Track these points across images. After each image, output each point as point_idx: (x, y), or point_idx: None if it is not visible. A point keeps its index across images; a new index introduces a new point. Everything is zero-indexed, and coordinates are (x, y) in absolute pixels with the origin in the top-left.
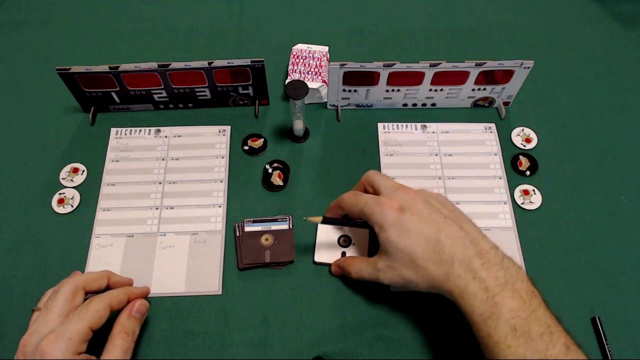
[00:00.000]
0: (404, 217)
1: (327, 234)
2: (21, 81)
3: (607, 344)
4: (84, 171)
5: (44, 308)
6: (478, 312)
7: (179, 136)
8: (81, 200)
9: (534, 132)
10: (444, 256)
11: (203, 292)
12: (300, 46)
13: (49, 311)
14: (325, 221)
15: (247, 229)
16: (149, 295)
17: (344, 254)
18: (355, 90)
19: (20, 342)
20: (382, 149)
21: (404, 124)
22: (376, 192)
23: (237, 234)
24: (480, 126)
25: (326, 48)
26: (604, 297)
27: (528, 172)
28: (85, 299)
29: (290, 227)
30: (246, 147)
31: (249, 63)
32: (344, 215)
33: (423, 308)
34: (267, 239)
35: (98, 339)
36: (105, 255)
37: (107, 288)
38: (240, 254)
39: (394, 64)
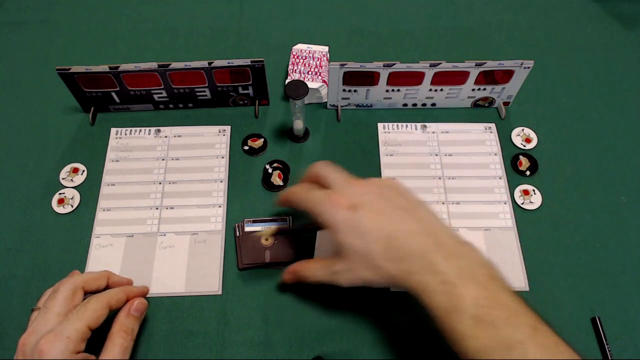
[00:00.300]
0: (356, 215)
1: (326, 234)
2: (21, 81)
3: (607, 344)
4: (84, 171)
5: (43, 307)
6: (440, 307)
7: (179, 136)
8: (81, 200)
9: (534, 132)
10: (402, 253)
11: (203, 292)
12: (300, 46)
13: (48, 311)
14: (280, 232)
15: (247, 229)
16: (149, 295)
17: None
18: (355, 90)
19: (20, 342)
20: (382, 149)
21: (404, 124)
22: (325, 186)
23: (237, 234)
24: (480, 126)
25: (326, 48)
26: (604, 297)
27: (528, 172)
28: (84, 299)
29: (290, 227)
30: (246, 147)
31: (249, 63)
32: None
33: (423, 308)
34: (267, 239)
35: (98, 338)
36: (105, 255)
37: (107, 288)
38: (240, 254)
39: (394, 64)
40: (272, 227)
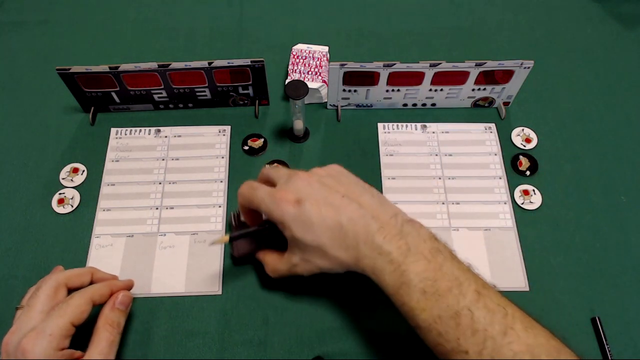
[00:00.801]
0: (302, 209)
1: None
2: (21, 81)
3: (607, 344)
4: (84, 171)
5: (25, 306)
6: (390, 285)
7: (179, 136)
8: (81, 200)
9: (534, 132)
10: (349, 240)
11: (203, 292)
12: (300, 46)
13: (31, 309)
14: (233, 239)
15: (243, 218)
16: (149, 295)
17: None
18: (355, 90)
19: (3, 341)
20: (382, 149)
21: (404, 124)
22: (272, 185)
23: (233, 224)
24: (480, 126)
25: (326, 48)
26: (604, 297)
27: (528, 172)
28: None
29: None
30: (246, 147)
31: (249, 63)
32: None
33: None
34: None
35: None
36: (105, 255)
37: (92, 284)
38: (235, 243)
39: (394, 64)
40: (224, 236)
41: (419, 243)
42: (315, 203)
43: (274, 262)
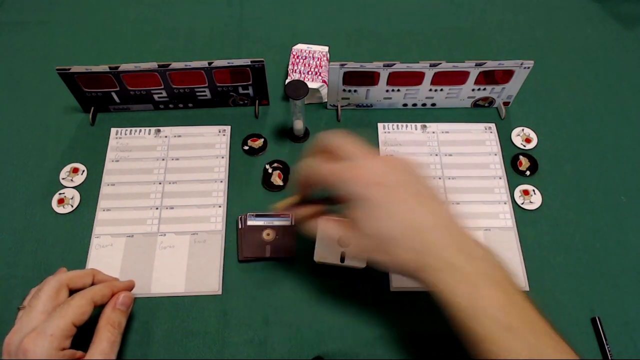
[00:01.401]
0: (377, 195)
1: (327, 233)
2: (21, 81)
3: (607, 344)
4: (84, 171)
5: (27, 306)
6: (460, 307)
7: (179, 136)
8: (81, 200)
9: (534, 132)
10: (418, 245)
11: (203, 292)
12: (300, 46)
13: (32, 309)
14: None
15: (250, 222)
16: (149, 295)
17: (343, 254)
18: (355, 90)
19: (5, 341)
20: (382, 149)
21: (404, 124)
22: (339, 158)
23: (239, 227)
24: (480, 126)
25: (326, 48)
26: (604, 297)
27: (528, 172)
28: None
29: (292, 223)
30: (246, 147)
31: (249, 63)
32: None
33: (423, 308)
34: (268, 234)
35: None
36: (105, 255)
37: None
38: (241, 246)
39: (394, 64)
40: (289, 198)
41: (493, 269)
42: (391, 193)
43: (329, 228)
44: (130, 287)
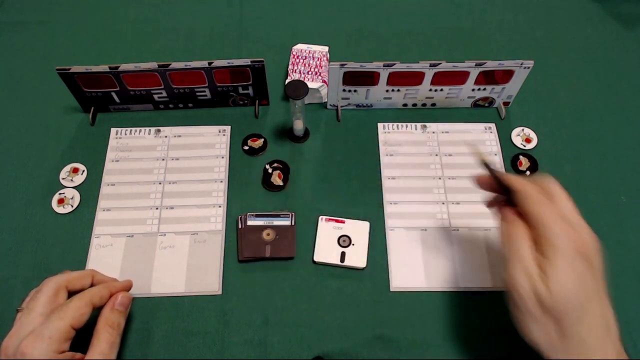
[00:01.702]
0: (583, 263)
1: (327, 233)
2: (21, 81)
3: None
4: (84, 171)
5: (25, 308)
6: None
7: (179, 136)
8: (81, 200)
9: (534, 132)
10: (578, 331)
11: (203, 292)
12: (300, 46)
13: (31, 311)
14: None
15: (250, 222)
16: (149, 295)
17: (343, 254)
18: (355, 90)
19: (2, 344)
20: (382, 149)
21: (404, 124)
22: (529, 213)
23: (239, 226)
24: (480, 126)
25: (326, 48)
26: None
27: (528, 172)
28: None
29: (292, 223)
30: (246, 147)
31: (249, 63)
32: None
33: (423, 308)
34: (268, 234)
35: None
36: (105, 255)
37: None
38: (241, 246)
39: (394, 64)
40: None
41: None
42: (585, 273)
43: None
44: (128, 287)
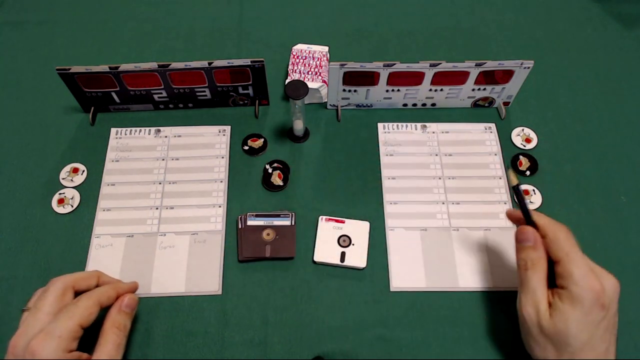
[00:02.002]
0: (600, 313)
1: (327, 233)
2: (21, 81)
3: None
4: (84, 171)
5: (33, 308)
6: None
7: (179, 136)
8: (81, 200)
9: (534, 132)
10: (576, 356)
11: (203, 292)
12: (300, 46)
13: (38, 310)
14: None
15: (250, 222)
16: (149, 295)
17: (343, 254)
18: (355, 90)
19: (10, 343)
20: (382, 149)
21: (404, 124)
22: (554, 254)
23: (239, 226)
24: (480, 126)
25: (326, 48)
26: None
27: (528, 172)
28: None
29: (292, 223)
30: (246, 147)
31: (249, 63)
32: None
33: (423, 308)
34: (268, 234)
35: (91, 337)
36: (105, 255)
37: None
38: (241, 246)
39: (394, 64)
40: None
41: None
42: (607, 322)
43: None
44: (134, 288)
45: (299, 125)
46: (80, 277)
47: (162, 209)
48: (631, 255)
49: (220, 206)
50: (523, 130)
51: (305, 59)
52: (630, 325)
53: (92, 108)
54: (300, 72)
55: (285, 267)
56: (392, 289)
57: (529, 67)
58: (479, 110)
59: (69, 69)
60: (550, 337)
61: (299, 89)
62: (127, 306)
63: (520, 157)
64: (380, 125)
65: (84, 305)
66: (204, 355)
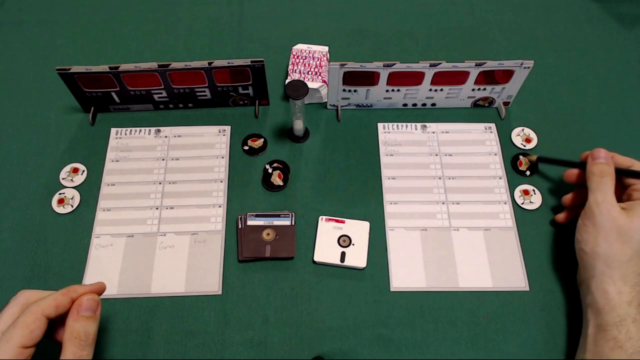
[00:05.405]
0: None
1: (327, 233)
2: (21, 81)
3: None
4: (84, 171)
5: None
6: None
7: (179, 136)
8: (81, 200)
9: (534, 132)
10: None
11: (203, 292)
12: (300, 46)
13: None
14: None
15: (250, 222)
16: (149, 295)
17: (343, 254)
18: (355, 90)
19: None
20: (382, 149)
21: (404, 124)
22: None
23: (239, 227)
24: (480, 126)
25: (326, 48)
26: None
27: (528, 172)
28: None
29: (292, 223)
30: (246, 147)
31: (249, 63)
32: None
33: (423, 308)
34: (268, 234)
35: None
36: (105, 255)
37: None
38: (241, 246)
39: (394, 64)
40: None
41: None
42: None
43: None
44: (98, 289)
45: (299, 125)
46: (47, 295)
47: (162, 209)
48: None
49: (220, 206)
50: (523, 130)
51: (305, 59)
52: None
53: (92, 108)
54: (300, 72)
55: (285, 267)
56: (392, 289)
57: (529, 67)
58: (479, 110)
59: (69, 69)
60: (622, 229)
61: (299, 89)
62: (86, 309)
63: (520, 157)
64: (380, 125)
65: (23, 323)
66: (204, 355)
